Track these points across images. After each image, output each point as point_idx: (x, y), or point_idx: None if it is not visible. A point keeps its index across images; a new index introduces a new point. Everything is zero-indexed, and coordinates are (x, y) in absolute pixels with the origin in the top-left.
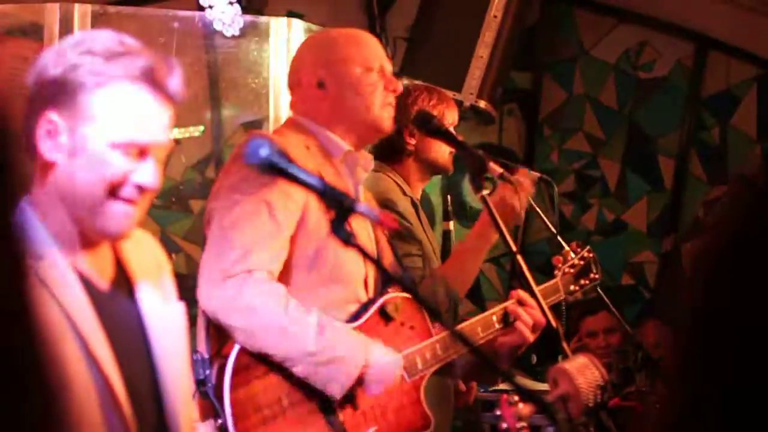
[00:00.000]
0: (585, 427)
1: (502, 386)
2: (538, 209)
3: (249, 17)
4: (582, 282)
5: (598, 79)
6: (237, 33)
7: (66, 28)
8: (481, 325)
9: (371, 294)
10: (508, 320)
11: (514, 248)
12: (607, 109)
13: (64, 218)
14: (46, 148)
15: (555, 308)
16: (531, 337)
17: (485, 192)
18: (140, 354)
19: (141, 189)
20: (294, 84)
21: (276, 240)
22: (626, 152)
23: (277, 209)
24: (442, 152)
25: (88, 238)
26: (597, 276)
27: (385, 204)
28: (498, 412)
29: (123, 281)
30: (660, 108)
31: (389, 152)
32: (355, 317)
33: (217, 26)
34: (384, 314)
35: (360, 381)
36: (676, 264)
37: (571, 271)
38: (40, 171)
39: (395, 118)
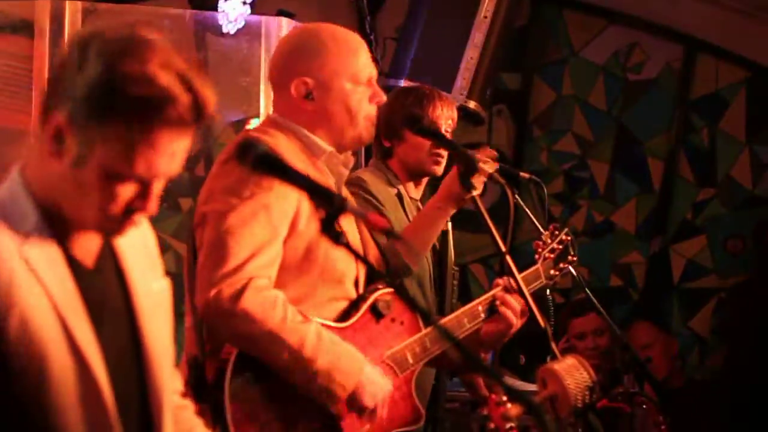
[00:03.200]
0: (573, 428)
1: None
2: (527, 210)
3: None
4: (561, 266)
5: (588, 80)
6: (233, 32)
7: (57, 25)
8: (467, 316)
9: (361, 291)
10: (493, 308)
11: (503, 248)
12: (596, 111)
13: (62, 204)
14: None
15: (544, 309)
16: (517, 323)
17: (475, 192)
18: (124, 329)
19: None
20: (280, 85)
21: (273, 245)
22: (615, 154)
23: (274, 213)
24: (420, 156)
25: (80, 224)
26: (575, 258)
27: (355, 182)
28: (486, 413)
29: (109, 256)
30: (649, 110)
31: (374, 152)
32: (346, 315)
33: (221, 20)
34: (375, 311)
35: (355, 393)
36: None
37: (551, 255)
38: (53, 153)
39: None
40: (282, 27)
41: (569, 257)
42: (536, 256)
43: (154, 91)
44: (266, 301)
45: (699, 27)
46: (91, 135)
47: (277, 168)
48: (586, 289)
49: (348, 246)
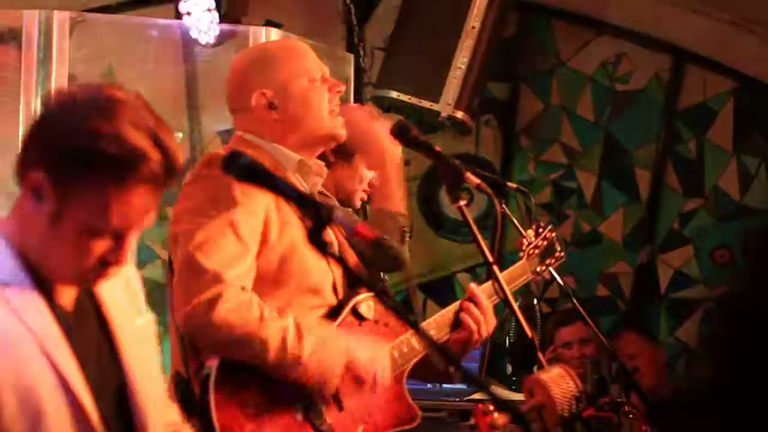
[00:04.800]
0: None
1: (477, 396)
2: (514, 220)
3: (227, 26)
4: (548, 261)
5: (575, 90)
6: (212, 41)
7: (45, 35)
8: (434, 327)
9: (340, 297)
10: (458, 320)
11: (490, 259)
12: (584, 121)
13: (40, 256)
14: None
15: (531, 319)
16: (481, 331)
17: (462, 203)
18: (109, 368)
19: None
20: (239, 108)
21: (245, 259)
22: (602, 164)
23: (241, 229)
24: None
25: (58, 276)
26: (562, 254)
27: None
28: (473, 422)
29: (87, 298)
30: (636, 120)
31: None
32: (328, 320)
33: (194, 33)
34: (357, 314)
35: (349, 368)
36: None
37: (536, 251)
38: (33, 209)
39: None
40: (270, 37)
41: (556, 253)
42: (521, 253)
43: (126, 150)
44: (241, 305)
45: (687, 38)
46: (67, 191)
47: (263, 179)
48: (573, 299)
49: (335, 256)
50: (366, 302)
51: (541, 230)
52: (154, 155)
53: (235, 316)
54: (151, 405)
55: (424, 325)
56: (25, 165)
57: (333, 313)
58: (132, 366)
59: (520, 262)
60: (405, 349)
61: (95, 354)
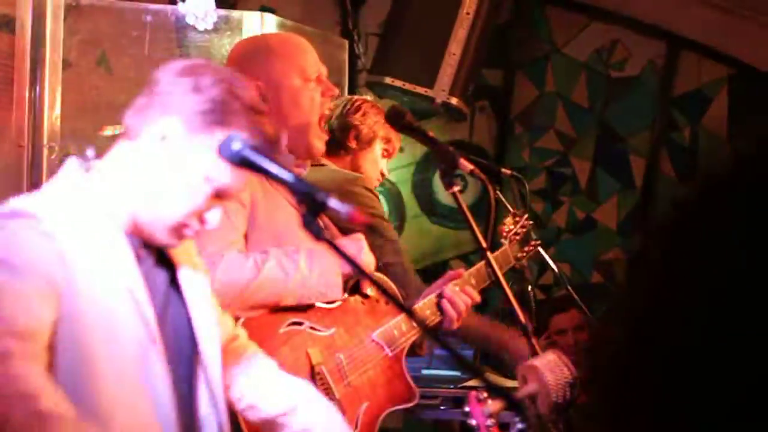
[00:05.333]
0: (554, 425)
1: (471, 383)
2: (508, 206)
3: (222, 11)
4: (526, 249)
5: (570, 77)
6: (210, 27)
7: (38, 21)
8: (429, 308)
9: None
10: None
11: (484, 245)
12: (579, 108)
13: (141, 203)
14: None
15: (525, 305)
16: (455, 320)
17: (456, 189)
18: (178, 312)
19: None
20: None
21: (236, 240)
22: (597, 151)
23: (230, 212)
24: (373, 170)
25: (152, 227)
26: (537, 242)
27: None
28: (467, 409)
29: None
30: (631, 107)
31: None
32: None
33: (190, 20)
34: (360, 292)
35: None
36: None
37: (516, 238)
38: (153, 153)
39: (344, 115)
40: (264, 23)
41: (532, 241)
42: (503, 240)
43: (258, 117)
44: (229, 263)
45: (681, 24)
46: (200, 142)
47: (254, 163)
48: (568, 286)
49: (329, 242)
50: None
51: (518, 218)
52: (269, 131)
53: (236, 276)
54: (214, 343)
55: (420, 306)
56: (152, 115)
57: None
58: (196, 313)
59: (503, 248)
60: (404, 328)
61: (168, 300)
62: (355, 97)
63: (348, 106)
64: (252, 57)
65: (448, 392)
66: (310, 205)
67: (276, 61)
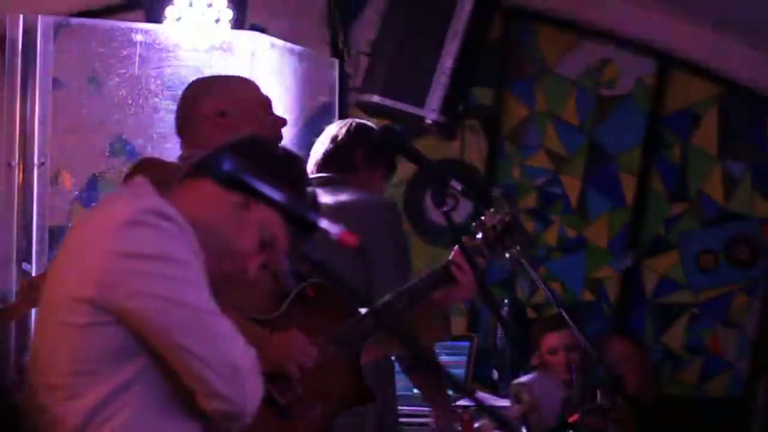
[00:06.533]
0: None
1: (462, 401)
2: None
3: (213, 31)
4: (507, 243)
5: (560, 96)
6: (205, 46)
7: (28, 40)
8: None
9: None
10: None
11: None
12: (569, 126)
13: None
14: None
15: (519, 324)
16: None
17: (446, 208)
18: None
19: None
20: (190, 120)
21: None
22: (587, 169)
23: None
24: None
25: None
26: (525, 238)
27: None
28: (458, 428)
29: None
30: (621, 125)
31: (341, 164)
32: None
33: (180, 39)
34: (304, 298)
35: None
36: None
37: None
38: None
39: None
40: (254, 41)
41: (517, 235)
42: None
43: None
44: None
45: (672, 42)
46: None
47: (248, 188)
48: (559, 304)
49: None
50: (314, 285)
51: (497, 217)
52: None
53: None
54: None
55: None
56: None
57: (281, 298)
58: None
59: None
60: (357, 332)
61: None
62: (356, 119)
63: (352, 127)
64: (212, 86)
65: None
66: (301, 227)
67: (236, 87)
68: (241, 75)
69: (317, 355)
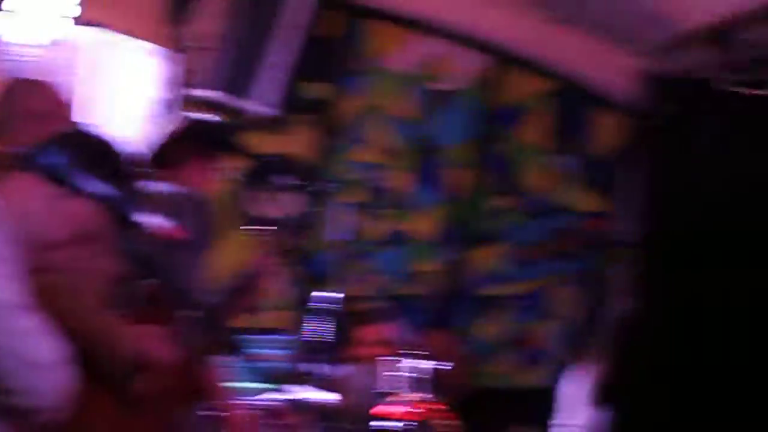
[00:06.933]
0: None
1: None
2: (327, 218)
3: (51, 26)
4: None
5: (392, 90)
6: (46, 42)
7: None
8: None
9: None
10: None
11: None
12: (400, 121)
13: None
14: None
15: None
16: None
17: (274, 201)
18: None
19: None
20: (5, 120)
21: None
22: (417, 163)
23: None
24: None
25: None
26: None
27: None
28: (272, 421)
29: None
30: (452, 119)
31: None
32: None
33: (17, 34)
34: (141, 297)
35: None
36: None
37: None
38: None
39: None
40: (94, 36)
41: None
42: None
43: None
44: None
45: (504, 37)
46: None
47: (64, 180)
48: (378, 298)
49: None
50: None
51: None
52: None
53: None
54: None
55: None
56: None
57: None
58: None
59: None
60: (187, 334)
61: None
62: (184, 114)
63: (183, 122)
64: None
65: (252, 404)
66: (119, 220)
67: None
68: (75, 72)
69: (172, 351)
